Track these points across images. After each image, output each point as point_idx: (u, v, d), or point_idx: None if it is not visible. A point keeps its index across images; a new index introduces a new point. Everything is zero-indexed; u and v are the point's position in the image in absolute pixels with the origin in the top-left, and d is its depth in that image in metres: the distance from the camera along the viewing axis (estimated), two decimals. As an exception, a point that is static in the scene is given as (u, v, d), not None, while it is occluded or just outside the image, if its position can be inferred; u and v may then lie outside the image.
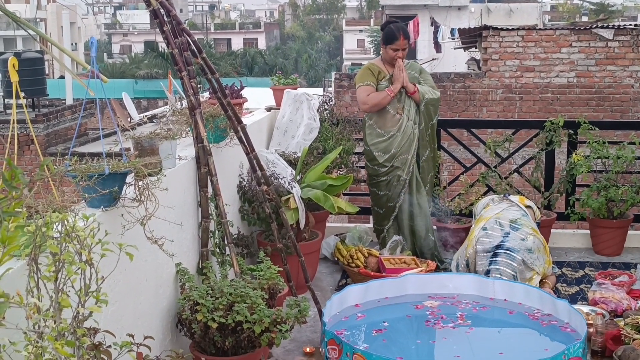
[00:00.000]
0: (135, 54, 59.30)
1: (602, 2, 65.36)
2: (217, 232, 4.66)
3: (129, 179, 3.48)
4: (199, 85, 5.95)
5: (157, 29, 4.44)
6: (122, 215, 3.38)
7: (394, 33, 6.19)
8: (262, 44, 71.18)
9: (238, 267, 4.42)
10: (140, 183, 3.45)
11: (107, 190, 3.24)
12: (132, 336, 3.06)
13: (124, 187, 3.43)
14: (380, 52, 6.39)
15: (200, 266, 4.53)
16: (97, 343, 2.78)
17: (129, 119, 9.26)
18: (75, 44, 51.47)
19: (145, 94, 37.79)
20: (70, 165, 3.31)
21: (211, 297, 3.97)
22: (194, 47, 4.53)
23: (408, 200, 6.30)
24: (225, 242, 4.62)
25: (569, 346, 4.25)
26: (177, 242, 4.16)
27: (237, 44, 69.91)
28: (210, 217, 4.58)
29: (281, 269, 4.61)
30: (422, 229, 6.34)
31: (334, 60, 64.26)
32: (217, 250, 4.68)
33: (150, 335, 3.15)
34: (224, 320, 3.86)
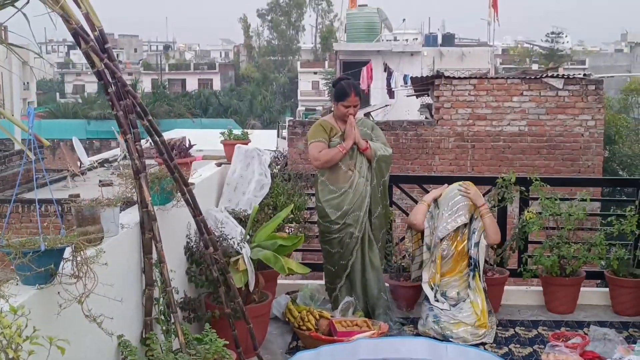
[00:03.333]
0: (88, 93, 58.85)
1: (552, 47, 66.86)
2: (161, 299, 4.48)
3: (67, 253, 3.32)
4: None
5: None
6: (58, 293, 3.21)
7: (345, 90, 6.13)
8: (217, 85, 71.16)
9: (183, 338, 4.26)
10: (79, 258, 3.29)
11: (42, 269, 3.07)
12: None
13: (62, 263, 3.27)
14: (332, 109, 6.32)
15: (144, 336, 4.35)
16: None
17: (79, 163, 9.04)
18: (27, 83, 51.18)
19: (98, 135, 37.32)
20: (4, 241, 3.14)
21: (154, 372, 3.81)
22: (139, 109, 4.41)
23: (360, 258, 6.19)
24: (170, 310, 4.45)
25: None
26: (120, 312, 3.98)
27: (192, 84, 69.80)
28: (155, 283, 4.41)
29: (227, 342, 4.43)
30: (375, 287, 6.22)
31: (288, 102, 64.53)
32: (162, 317, 4.50)
33: None
34: (167, 398, 3.70)
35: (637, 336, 6.07)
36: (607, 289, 6.79)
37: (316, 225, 6.60)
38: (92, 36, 4.17)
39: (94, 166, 16.88)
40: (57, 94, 71.18)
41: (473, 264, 6.12)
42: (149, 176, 4.54)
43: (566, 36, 72.46)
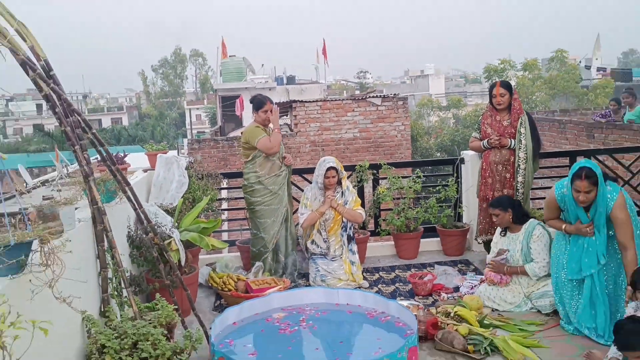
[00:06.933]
0: (26, 134, 55.09)
1: (360, 82, 68.26)
2: (114, 278, 3.85)
3: (35, 245, 2.68)
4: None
5: (43, 114, 3.63)
6: (30, 280, 2.58)
7: (262, 100, 5.74)
8: (125, 122, 68.07)
9: (136, 308, 3.66)
10: (46, 249, 2.66)
11: (14, 260, 2.44)
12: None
13: (30, 254, 2.63)
14: (254, 118, 5.76)
15: (102, 309, 3.71)
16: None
17: (25, 184, 7.89)
18: (-25, 129, 47.06)
19: (36, 164, 34.75)
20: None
21: (116, 338, 3.20)
22: (83, 125, 3.76)
23: (284, 227, 5.77)
24: (122, 286, 3.83)
25: (407, 338, 3.85)
26: (81, 292, 3.34)
27: (106, 122, 66.40)
28: (108, 266, 3.78)
29: (177, 307, 3.87)
30: (290, 247, 5.83)
31: (180, 130, 62.79)
32: (116, 293, 3.87)
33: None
34: (131, 358, 3.11)
35: (464, 269, 5.94)
36: (438, 239, 6.64)
37: (227, 211, 6.04)
38: (38, 65, 3.50)
39: (37, 185, 15.41)
40: (1, 136, 65.97)
41: (344, 226, 5.76)
42: (95, 180, 3.90)
43: (370, 73, 74.13)
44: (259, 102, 5.71)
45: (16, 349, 1.80)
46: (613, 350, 3.70)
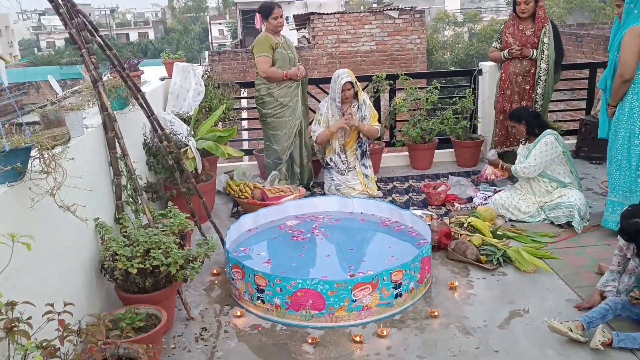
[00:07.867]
0: (58, 47, 54.44)
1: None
2: (128, 185, 3.60)
3: (34, 152, 2.39)
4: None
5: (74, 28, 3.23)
6: (30, 188, 2.31)
7: (270, 6, 5.22)
8: (152, 36, 66.64)
9: (150, 215, 3.42)
10: (46, 155, 2.37)
11: (9, 167, 2.16)
12: (52, 305, 2.07)
13: (29, 161, 2.35)
14: (265, 27, 5.29)
15: (117, 217, 3.49)
16: (13, 323, 1.79)
17: (56, 95, 7.63)
18: (11, 42, 46.90)
19: (69, 76, 34.36)
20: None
21: (128, 246, 2.98)
22: (90, 28, 3.38)
23: (299, 138, 5.42)
24: (137, 193, 3.59)
25: (421, 248, 3.60)
26: (93, 200, 3.10)
27: (134, 36, 64.99)
28: (122, 173, 3.52)
29: (188, 215, 3.62)
30: (305, 158, 5.51)
31: (204, 45, 61.64)
32: (131, 200, 3.63)
33: (71, 302, 2.15)
34: (142, 266, 2.90)
35: (477, 180, 5.62)
36: (452, 150, 6.29)
37: (243, 121, 5.69)
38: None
39: (67, 96, 15.21)
40: (35, 49, 65.23)
41: (359, 142, 5.40)
42: (106, 86, 3.57)
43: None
44: (266, 10, 5.21)
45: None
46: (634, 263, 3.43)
